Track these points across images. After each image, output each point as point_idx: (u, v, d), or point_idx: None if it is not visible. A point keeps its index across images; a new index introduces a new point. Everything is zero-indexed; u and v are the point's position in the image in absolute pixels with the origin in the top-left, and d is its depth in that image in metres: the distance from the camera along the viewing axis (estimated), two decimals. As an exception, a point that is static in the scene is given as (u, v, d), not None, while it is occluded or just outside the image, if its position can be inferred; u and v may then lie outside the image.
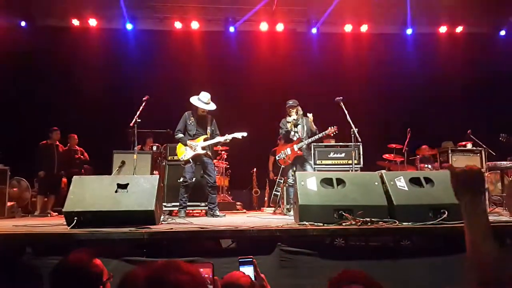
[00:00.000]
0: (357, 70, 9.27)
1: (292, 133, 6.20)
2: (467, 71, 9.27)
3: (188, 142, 5.82)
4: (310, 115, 6.16)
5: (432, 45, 9.88)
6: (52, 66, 8.92)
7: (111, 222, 3.73)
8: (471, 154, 6.40)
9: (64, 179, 7.62)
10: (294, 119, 6.20)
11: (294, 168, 6.10)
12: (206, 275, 1.40)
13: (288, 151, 6.17)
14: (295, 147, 6.13)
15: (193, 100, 5.92)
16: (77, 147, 8.10)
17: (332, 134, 6.14)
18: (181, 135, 5.91)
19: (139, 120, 5.58)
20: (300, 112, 6.25)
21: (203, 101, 5.88)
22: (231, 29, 9.55)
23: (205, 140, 5.88)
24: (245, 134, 5.98)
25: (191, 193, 5.90)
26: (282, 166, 6.42)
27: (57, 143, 7.64)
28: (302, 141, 6.13)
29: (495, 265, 1.14)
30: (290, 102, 6.27)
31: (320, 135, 6.11)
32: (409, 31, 9.74)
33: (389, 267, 3.41)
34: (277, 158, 6.42)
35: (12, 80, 8.68)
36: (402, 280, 3.30)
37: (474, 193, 1.26)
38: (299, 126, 6.24)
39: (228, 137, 5.88)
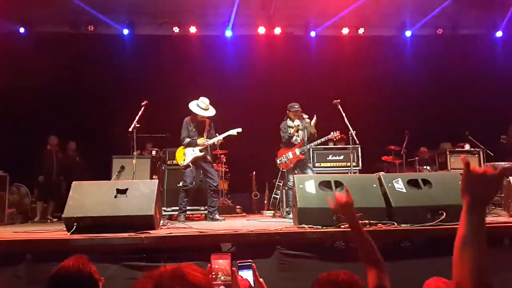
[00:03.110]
0: (354, 72, 9.28)
1: (294, 137, 6.18)
2: (465, 72, 9.30)
3: (198, 141, 5.86)
4: (313, 120, 6.12)
5: (430, 46, 9.91)
6: (51, 72, 8.90)
7: (110, 228, 3.74)
8: (469, 155, 6.41)
9: (64, 185, 7.62)
10: (298, 125, 6.15)
11: (295, 172, 6.05)
12: (223, 267, 1.41)
13: (290, 155, 6.12)
14: (297, 151, 6.08)
15: (192, 106, 5.93)
16: (76, 152, 8.10)
17: (335, 139, 6.12)
18: (188, 139, 5.91)
19: (138, 125, 5.59)
20: (304, 117, 6.22)
21: (201, 107, 5.90)
22: (229, 33, 9.58)
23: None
24: (239, 130, 5.99)
25: (190, 197, 5.91)
26: (284, 170, 6.30)
27: (57, 149, 7.65)
28: (304, 145, 6.09)
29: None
30: (296, 107, 6.19)
31: (323, 139, 6.08)
32: (408, 33, 9.78)
33: (389, 268, 3.41)
34: (278, 162, 6.27)
35: (11, 87, 8.68)
36: (402, 281, 3.29)
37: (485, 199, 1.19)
38: (300, 130, 6.25)
39: (223, 135, 5.94)
